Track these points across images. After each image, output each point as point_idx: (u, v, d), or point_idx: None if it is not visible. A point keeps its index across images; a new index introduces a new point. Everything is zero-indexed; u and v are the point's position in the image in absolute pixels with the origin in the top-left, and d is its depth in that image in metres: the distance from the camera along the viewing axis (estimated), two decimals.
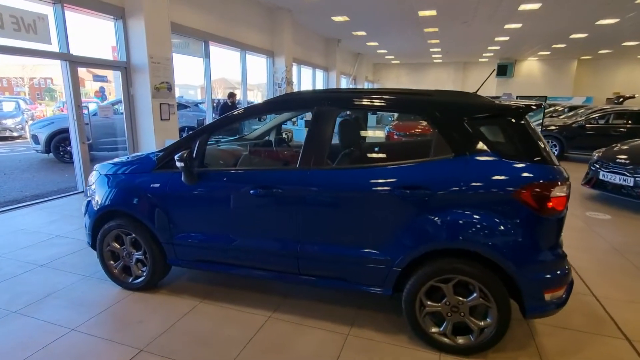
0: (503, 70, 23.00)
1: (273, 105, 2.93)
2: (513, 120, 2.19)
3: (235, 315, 2.70)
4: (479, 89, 2.68)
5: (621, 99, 18.01)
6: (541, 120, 8.31)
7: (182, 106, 10.16)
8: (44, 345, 2.35)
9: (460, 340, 2.27)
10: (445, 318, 2.27)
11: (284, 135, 3.77)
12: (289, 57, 12.00)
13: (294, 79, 12.97)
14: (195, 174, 2.61)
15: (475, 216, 2.12)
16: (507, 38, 15.28)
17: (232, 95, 8.27)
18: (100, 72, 6.45)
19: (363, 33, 14.69)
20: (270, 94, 12.02)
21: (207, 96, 9.10)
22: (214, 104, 9.95)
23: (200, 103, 10.43)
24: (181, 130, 7.55)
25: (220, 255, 2.74)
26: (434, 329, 2.31)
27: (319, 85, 16.88)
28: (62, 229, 4.37)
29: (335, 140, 2.61)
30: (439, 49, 19.03)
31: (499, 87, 22.93)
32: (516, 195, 2.05)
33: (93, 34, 8.18)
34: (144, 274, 2.94)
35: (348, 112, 3.44)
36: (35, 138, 8.36)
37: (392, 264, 2.29)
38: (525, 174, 2.07)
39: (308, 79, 15.66)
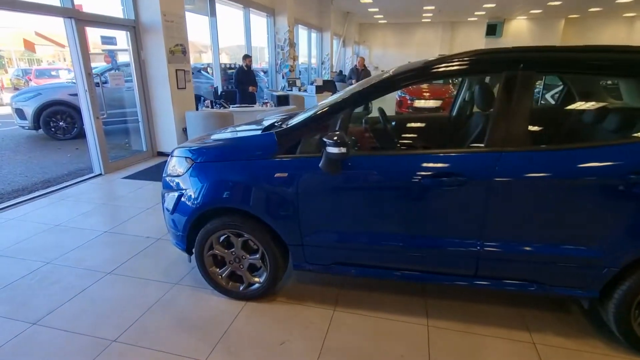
0: (492, 30, 22.65)
1: (441, 69, 2.12)
2: None
3: (386, 326, 2.27)
4: None
5: None
6: None
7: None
8: None
9: None
10: None
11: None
12: (291, 16, 10.99)
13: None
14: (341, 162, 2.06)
15: None
16: None
17: (247, 58, 7.39)
18: (107, 32, 5.46)
19: None
20: (272, 57, 11.08)
21: (215, 61, 8.15)
22: (223, 70, 8.97)
23: (202, 68, 9.39)
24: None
25: (366, 257, 2.26)
26: None
27: (315, 48, 15.90)
28: (104, 222, 3.70)
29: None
30: (433, 7, 18.24)
31: (487, 47, 22.62)
32: None
33: None
34: (262, 280, 2.43)
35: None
36: (20, 112, 7.22)
37: (608, 263, 1.91)
38: None
39: (304, 42, 14.62)
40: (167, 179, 2.54)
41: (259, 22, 10.62)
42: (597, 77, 2.55)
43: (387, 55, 25.49)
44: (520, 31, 22.77)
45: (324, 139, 1.95)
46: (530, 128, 1.99)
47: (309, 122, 2.21)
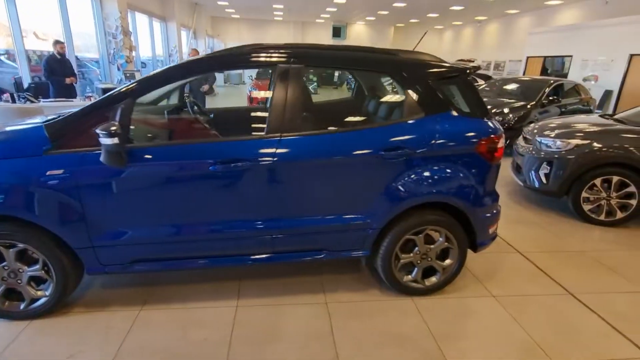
0: (337, 32, 24.79)
1: (220, 62, 2.36)
2: (467, 79, 2.42)
3: (196, 315, 2.30)
4: (415, 48, 2.82)
5: None
6: None
7: None
8: None
9: (427, 282, 2.54)
10: (416, 265, 2.49)
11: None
12: (123, 1, 9.91)
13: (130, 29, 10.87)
14: (126, 154, 1.97)
15: (446, 170, 2.31)
16: (344, 1, 16.33)
17: (58, 44, 6.34)
18: None
19: None
20: (103, 46, 9.81)
21: (18, 45, 6.76)
22: (39, 57, 7.48)
23: (1, 54, 7.63)
24: None
25: (167, 250, 2.22)
26: (406, 277, 2.51)
27: (158, 38, 14.68)
28: None
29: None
30: (282, 6, 18.91)
31: None
32: (477, 148, 2.32)
33: None
34: (48, 293, 2.15)
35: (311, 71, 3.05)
36: None
37: (372, 225, 2.33)
38: (482, 129, 2.35)
39: (145, 30, 13.36)
40: None
41: (85, 4, 9.25)
42: (353, 71, 3.08)
43: None
44: (360, 34, 25.56)
45: (97, 131, 1.83)
46: (305, 115, 2.27)
47: (86, 112, 2.05)
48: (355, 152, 2.20)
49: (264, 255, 2.33)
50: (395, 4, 16.67)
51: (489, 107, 6.89)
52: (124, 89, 2.07)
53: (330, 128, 2.31)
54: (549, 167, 3.98)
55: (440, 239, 2.44)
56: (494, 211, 2.55)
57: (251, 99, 9.86)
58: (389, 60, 2.35)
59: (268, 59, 2.25)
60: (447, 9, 17.24)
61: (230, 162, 2.08)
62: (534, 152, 4.18)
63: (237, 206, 2.19)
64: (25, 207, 1.96)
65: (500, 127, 2.47)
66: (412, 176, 2.28)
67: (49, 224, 2.01)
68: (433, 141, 2.27)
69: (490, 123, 2.40)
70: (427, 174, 2.30)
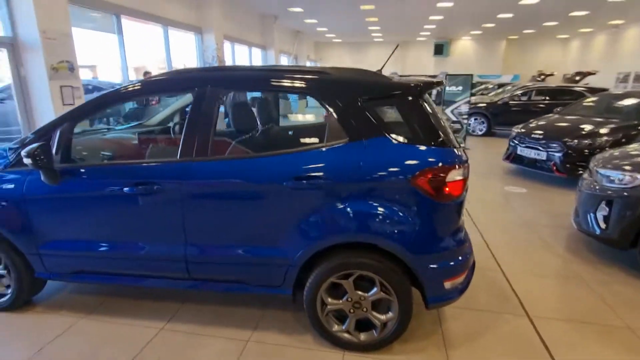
0: (439, 50, 23.65)
1: (144, 88, 2.39)
2: (411, 99, 2.02)
3: (122, 331, 2.35)
4: (383, 67, 2.50)
5: (543, 77, 19.30)
6: (468, 98, 8.52)
7: (96, 89, 9.13)
8: None
9: (363, 336, 2.14)
10: (348, 315, 2.12)
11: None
12: (220, 34, 11.24)
13: (228, 58, 12.24)
14: (57, 172, 2.17)
15: (374, 206, 1.94)
16: (441, 17, 15.55)
17: (147, 74, 7.50)
18: None
19: (300, 9, 14.13)
20: None
21: (125, 77, 8.22)
22: None
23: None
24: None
25: (101, 265, 2.35)
26: (336, 327, 2.15)
27: (257, 64, 16.19)
28: None
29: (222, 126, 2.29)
30: (378, 27, 18.98)
31: (436, 65, 23.61)
32: (413, 181, 1.89)
33: None
34: (9, 291, 2.48)
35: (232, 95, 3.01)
36: None
37: (290, 262, 2.08)
38: (421, 159, 1.92)
39: (244, 57, 14.90)
40: None
41: (187, 37, 10.81)
42: (275, 93, 2.82)
43: None
44: (465, 51, 23.90)
45: (22, 152, 2.07)
46: (217, 139, 2.17)
47: (37, 134, 2.33)
48: (262, 180, 2.01)
49: (187, 281, 2.28)
50: (500, 15, 15.18)
51: (567, 125, 5.72)
52: (65, 114, 2.31)
53: (240, 154, 2.17)
54: (608, 208, 3.02)
55: (375, 287, 2.04)
56: (455, 261, 2.02)
57: None
58: (311, 80, 2.11)
59: (186, 84, 2.25)
60: (566, 15, 14.97)
61: (143, 184, 2.11)
62: (593, 188, 3.24)
63: (153, 228, 2.20)
64: None
65: (459, 156, 1.97)
66: (331, 210, 1.97)
67: (4, 230, 2.33)
68: (356, 171, 1.94)
69: (440, 151, 1.94)
70: (349, 209, 1.96)
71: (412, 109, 2.00)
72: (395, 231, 1.93)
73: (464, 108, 8.55)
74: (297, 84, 2.14)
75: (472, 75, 8.77)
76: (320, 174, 1.95)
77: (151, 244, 2.23)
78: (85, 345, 2.24)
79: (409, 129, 1.98)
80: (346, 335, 2.14)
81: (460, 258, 2.04)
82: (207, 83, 2.15)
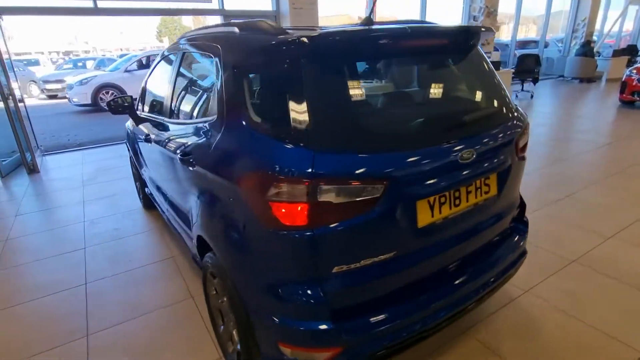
0: None
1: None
2: (286, 66, 1.31)
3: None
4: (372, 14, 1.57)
5: None
6: None
7: None
8: None
9: None
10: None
11: None
12: None
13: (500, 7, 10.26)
14: None
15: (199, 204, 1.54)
16: None
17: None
18: None
19: None
20: None
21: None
22: None
23: None
24: None
25: None
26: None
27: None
28: None
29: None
30: None
31: None
32: (243, 186, 1.33)
33: None
34: None
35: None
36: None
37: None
38: (257, 161, 1.28)
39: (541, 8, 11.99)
40: None
41: None
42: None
43: None
44: None
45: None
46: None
47: None
48: (168, 148, 1.96)
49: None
50: None
51: None
52: None
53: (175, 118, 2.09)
54: None
55: None
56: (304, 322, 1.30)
57: None
58: (212, 38, 1.72)
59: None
60: None
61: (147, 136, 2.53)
62: None
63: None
64: None
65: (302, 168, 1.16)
66: (200, 194, 1.70)
67: None
68: (209, 156, 1.55)
69: (292, 151, 1.21)
70: (205, 196, 1.62)
71: (285, 79, 1.31)
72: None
73: None
74: (206, 44, 1.82)
75: None
76: (192, 152, 1.70)
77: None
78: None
79: (267, 113, 1.33)
80: None
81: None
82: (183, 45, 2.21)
